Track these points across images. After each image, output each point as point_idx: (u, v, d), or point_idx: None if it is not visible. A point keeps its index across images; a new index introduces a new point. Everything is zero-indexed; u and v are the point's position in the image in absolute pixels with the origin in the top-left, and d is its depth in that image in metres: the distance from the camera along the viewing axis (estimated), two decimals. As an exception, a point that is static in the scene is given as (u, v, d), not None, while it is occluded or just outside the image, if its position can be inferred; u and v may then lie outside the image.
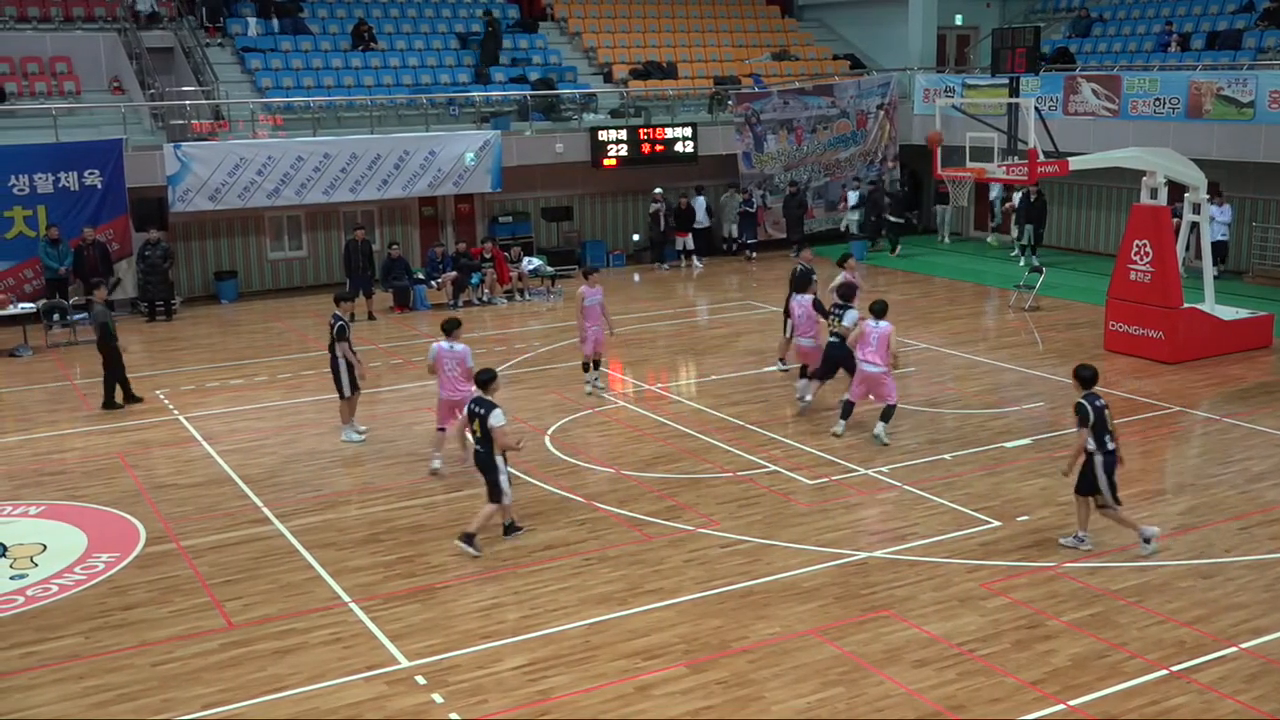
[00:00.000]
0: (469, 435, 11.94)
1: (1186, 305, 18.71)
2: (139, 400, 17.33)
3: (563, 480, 13.78)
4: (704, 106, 30.19)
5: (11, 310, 21.42)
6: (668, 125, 28.46)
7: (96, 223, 22.86)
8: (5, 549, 12.13)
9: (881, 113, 30.51)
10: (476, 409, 11.65)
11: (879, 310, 14.69)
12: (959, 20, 34.04)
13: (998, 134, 20.04)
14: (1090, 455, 11.12)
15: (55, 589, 11.15)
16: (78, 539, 12.35)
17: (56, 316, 21.54)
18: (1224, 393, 16.99)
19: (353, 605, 10.66)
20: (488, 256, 24.84)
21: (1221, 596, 10.49)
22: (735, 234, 29.40)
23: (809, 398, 16.13)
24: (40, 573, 11.53)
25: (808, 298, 16.44)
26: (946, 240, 30.61)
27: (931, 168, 21.66)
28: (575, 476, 13.95)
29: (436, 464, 14.05)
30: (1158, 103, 24.83)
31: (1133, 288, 18.86)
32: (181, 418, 16.72)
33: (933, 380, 17.87)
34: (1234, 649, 9.54)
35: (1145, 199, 18.99)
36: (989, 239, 29.88)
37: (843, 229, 30.03)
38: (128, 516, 12.95)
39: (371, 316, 23.17)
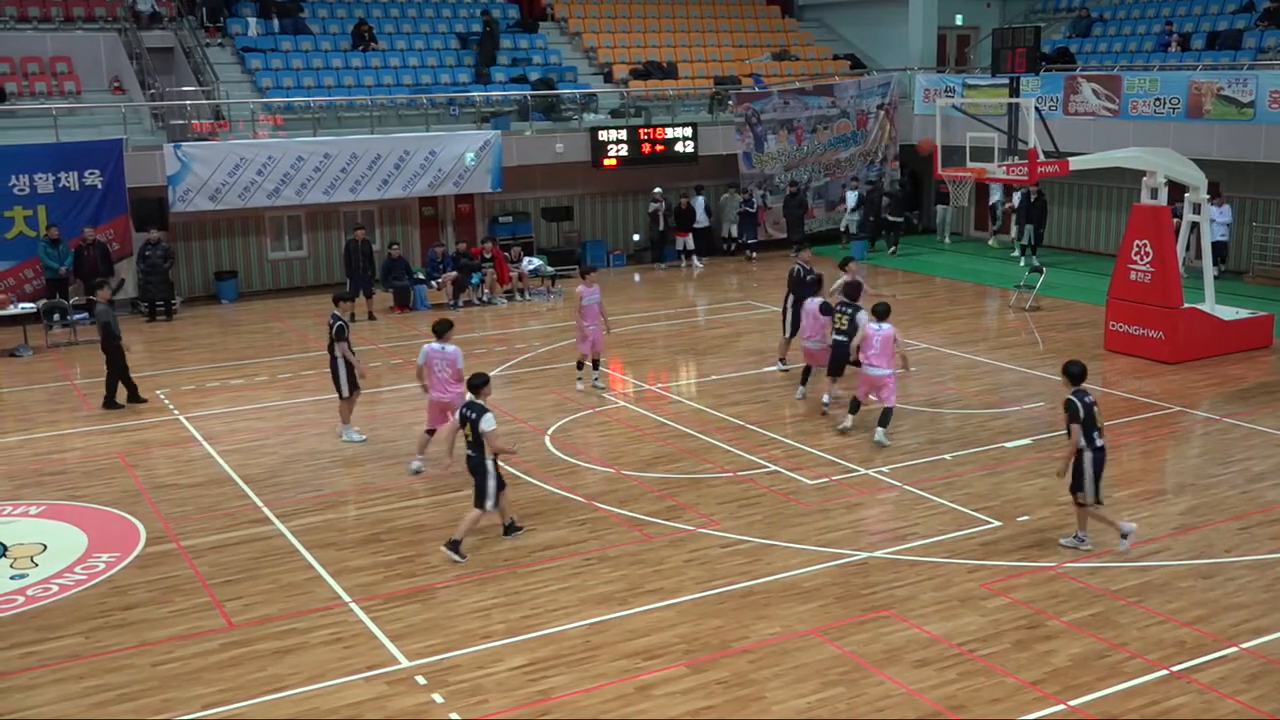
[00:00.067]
0: (460, 439, 11.86)
1: (1187, 305, 18.71)
2: (143, 401, 17.32)
3: (563, 480, 13.78)
4: (704, 106, 30.19)
5: (12, 310, 21.42)
6: (668, 125, 28.46)
7: (97, 223, 22.87)
8: (5, 549, 12.13)
9: (882, 113, 30.51)
10: (468, 413, 11.61)
11: (881, 313, 14.72)
12: (959, 20, 34.04)
13: (998, 134, 20.04)
14: (1080, 452, 11.13)
15: (55, 589, 11.15)
16: (78, 539, 12.35)
17: (57, 316, 21.54)
18: (1224, 393, 16.99)
19: (353, 605, 10.66)
20: (488, 256, 24.84)
21: (1222, 597, 10.49)
22: (735, 234, 29.40)
23: (826, 398, 16.13)
24: (40, 573, 11.53)
25: (818, 300, 16.46)
26: (946, 240, 30.60)
27: (932, 168, 21.67)
28: (575, 476, 13.96)
29: (416, 464, 14.07)
30: (1158, 103, 24.83)
31: (1133, 288, 18.86)
32: (182, 418, 16.72)
33: (933, 380, 17.86)
34: (1234, 649, 9.54)
35: (1145, 199, 18.99)
36: (990, 241, 29.87)
37: (842, 229, 30.03)
38: (128, 516, 12.95)
39: (372, 316, 23.17)
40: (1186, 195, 19.37)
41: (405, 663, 9.61)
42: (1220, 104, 23.68)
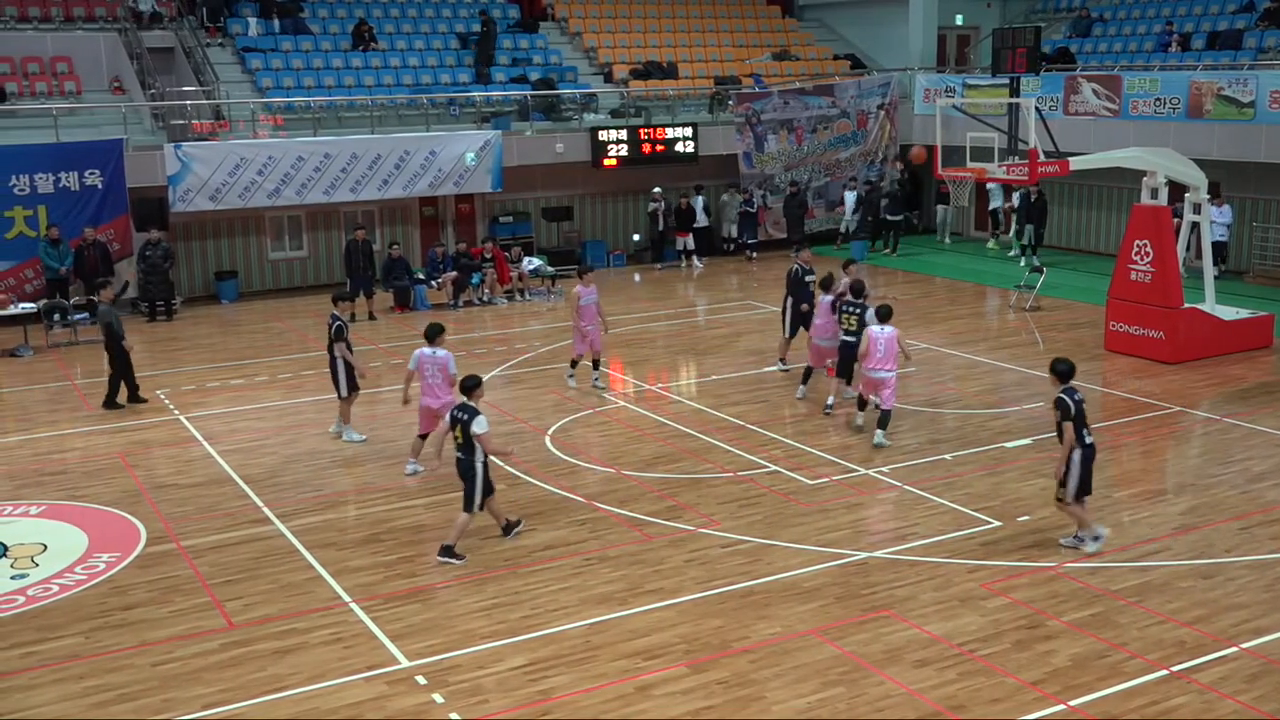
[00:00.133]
0: (451, 442, 11.78)
1: (1187, 305, 18.71)
2: (143, 400, 17.32)
3: (563, 480, 13.78)
4: (704, 106, 30.20)
5: (12, 310, 21.43)
6: (668, 125, 28.46)
7: (97, 223, 22.88)
8: (6, 549, 12.13)
9: (882, 113, 30.51)
10: (459, 415, 11.47)
11: (884, 314, 14.72)
12: (959, 20, 34.04)
13: (998, 134, 20.03)
14: (1069, 449, 11.13)
15: (56, 589, 11.15)
16: (78, 539, 12.35)
17: (57, 316, 21.53)
18: (1224, 393, 16.99)
19: (353, 605, 10.66)
20: (488, 256, 24.84)
21: (1222, 596, 10.49)
22: (735, 234, 29.40)
23: (831, 400, 16.15)
24: (41, 572, 11.53)
25: (829, 297, 16.46)
26: (946, 240, 30.59)
27: (932, 168, 21.67)
28: (575, 476, 13.95)
29: (411, 468, 14.07)
30: (1158, 103, 24.83)
31: (1133, 288, 18.86)
32: (182, 418, 16.72)
33: (933, 380, 17.86)
34: (1234, 649, 9.54)
35: (1146, 199, 18.99)
36: (989, 244, 29.83)
37: (842, 230, 30.04)
38: (128, 516, 12.95)
39: (372, 316, 23.17)
40: (1187, 195, 19.37)
41: (405, 663, 9.61)
42: (1220, 104, 23.68)
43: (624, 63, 30.57)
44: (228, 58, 27.38)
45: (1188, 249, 20.54)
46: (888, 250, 28.99)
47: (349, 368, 15.07)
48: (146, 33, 26.97)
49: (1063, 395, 11.15)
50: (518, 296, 24.98)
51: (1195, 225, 19.51)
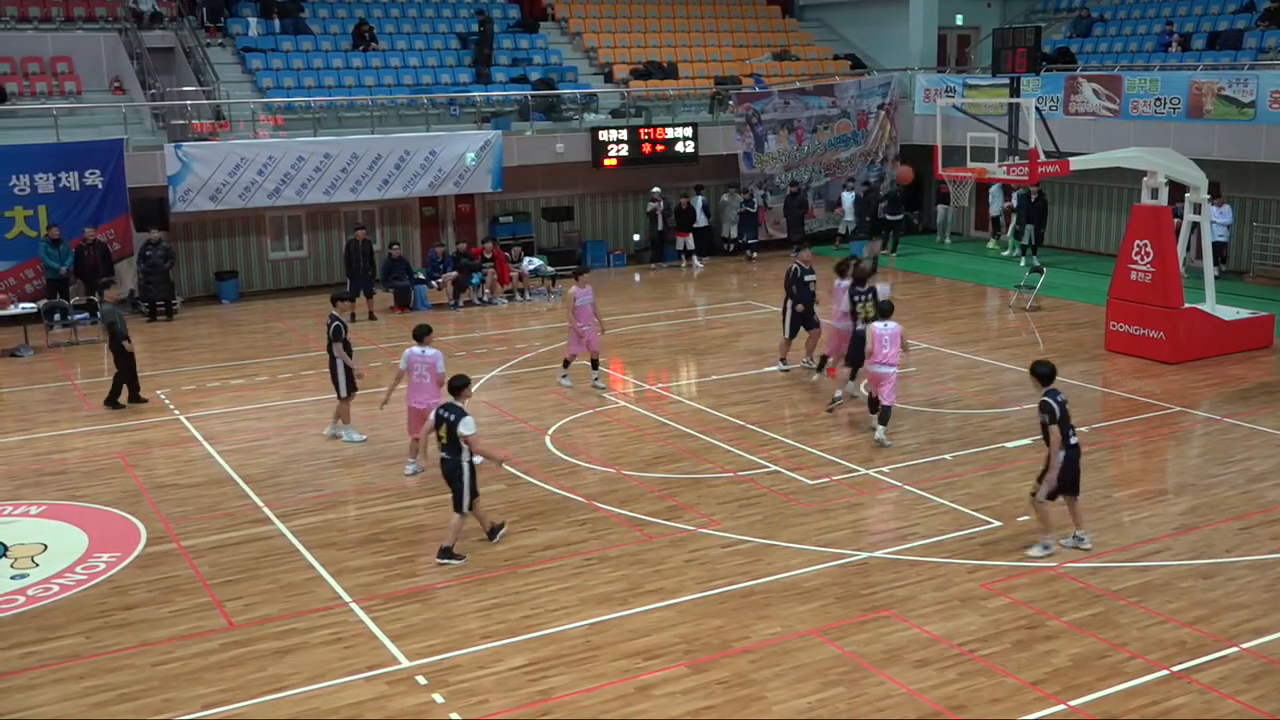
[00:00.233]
0: (436, 441, 11.70)
1: (1187, 305, 18.71)
2: (143, 400, 17.32)
3: (563, 480, 13.78)
4: (705, 106, 30.19)
5: (12, 310, 21.44)
6: (668, 125, 28.46)
7: (97, 223, 22.88)
8: (6, 549, 12.13)
9: (882, 113, 30.51)
10: (445, 414, 11.37)
11: (886, 310, 14.75)
12: (959, 20, 34.02)
13: (999, 134, 20.04)
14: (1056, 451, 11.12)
15: (56, 589, 11.15)
16: (78, 539, 12.35)
17: (57, 316, 21.53)
18: (1225, 393, 16.99)
19: (353, 605, 10.66)
20: (488, 256, 24.84)
21: (1222, 597, 10.48)
22: (735, 234, 29.40)
23: (839, 394, 16.19)
24: (41, 572, 11.53)
25: (845, 282, 16.52)
26: (946, 240, 30.59)
27: (933, 167, 21.66)
28: (575, 476, 13.95)
29: (411, 468, 14.07)
30: (1158, 103, 24.82)
31: (1133, 288, 18.86)
32: (182, 418, 16.72)
33: (933, 380, 17.86)
34: (1235, 649, 9.54)
35: (1146, 199, 18.99)
36: (989, 244, 29.82)
37: (841, 230, 30.04)
38: (128, 516, 12.95)
39: (372, 316, 23.17)
40: (1187, 195, 19.37)
41: (405, 663, 9.60)
42: (1221, 104, 23.68)
43: (624, 63, 30.56)
44: (228, 58, 27.38)
45: (1188, 249, 20.54)
46: (887, 250, 28.96)
47: (348, 368, 15.08)
48: (147, 33, 26.98)
49: (1046, 398, 11.12)
50: (518, 296, 24.98)
51: (1195, 225, 19.51)
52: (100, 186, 23.05)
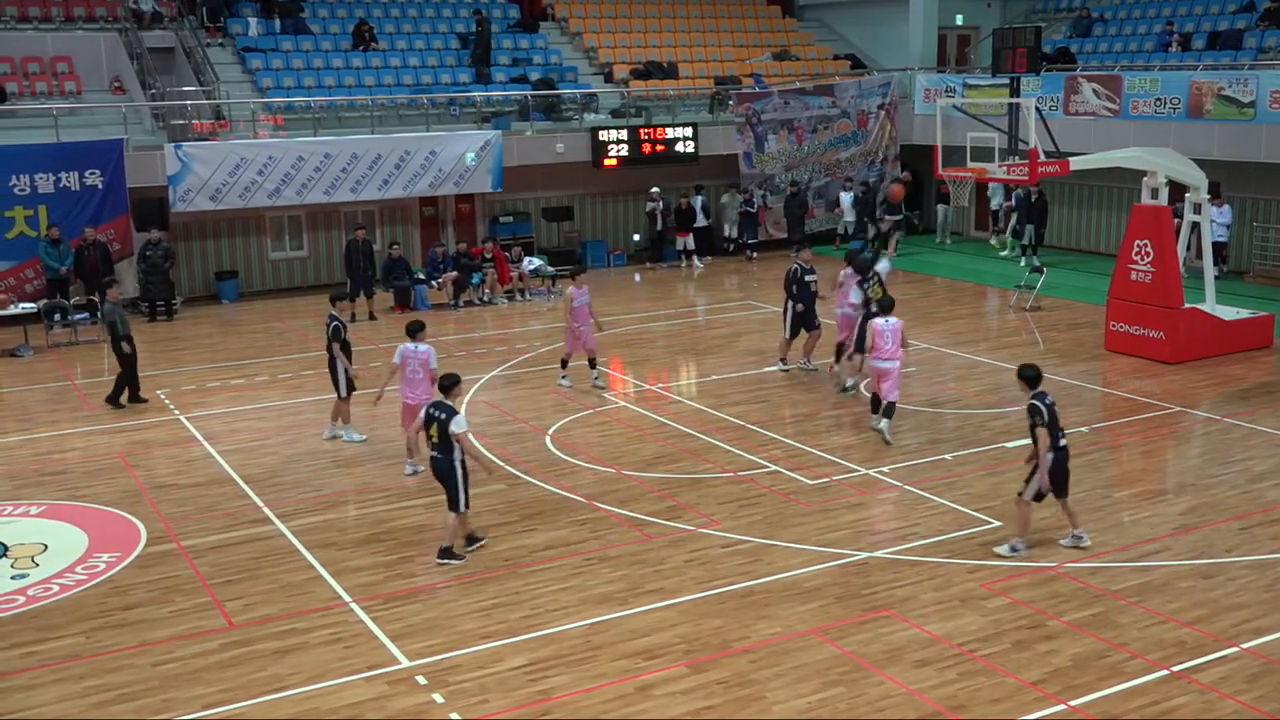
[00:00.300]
0: (424, 442, 11.67)
1: (1187, 305, 18.71)
2: (143, 400, 17.32)
3: (563, 480, 13.78)
4: (705, 106, 30.19)
5: (12, 310, 21.44)
6: (668, 125, 28.46)
7: (97, 223, 22.88)
8: (6, 549, 12.13)
9: (882, 113, 30.50)
10: (436, 413, 11.33)
11: (887, 306, 14.79)
12: (959, 20, 34.02)
13: (999, 134, 20.04)
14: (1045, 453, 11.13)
15: (56, 589, 11.15)
16: (79, 539, 12.35)
17: (57, 316, 21.53)
18: (1225, 393, 16.99)
19: (353, 605, 10.66)
20: (488, 256, 24.84)
21: (1222, 597, 10.48)
22: (735, 234, 29.40)
23: (850, 383, 16.37)
24: (41, 572, 11.53)
25: (850, 270, 16.77)
26: (947, 240, 30.59)
27: (933, 167, 21.66)
28: (575, 476, 13.95)
29: (410, 468, 14.07)
30: (1158, 103, 24.82)
31: (1133, 288, 18.86)
32: (182, 418, 16.72)
33: (933, 380, 17.86)
34: (1235, 649, 9.54)
35: (1146, 199, 18.99)
36: (992, 240, 29.84)
37: (840, 231, 30.04)
38: (128, 516, 12.95)
39: (373, 316, 23.17)
40: (1187, 195, 19.37)
41: (406, 663, 9.61)
42: (1221, 104, 23.67)
43: (624, 63, 30.56)
44: (228, 58, 27.38)
45: (1188, 249, 20.54)
46: (890, 251, 28.96)
47: (345, 370, 15.08)
48: (147, 33, 26.97)
49: (1034, 401, 11.13)
50: (518, 296, 24.98)
51: (1195, 225, 19.51)
52: (100, 186, 23.04)
